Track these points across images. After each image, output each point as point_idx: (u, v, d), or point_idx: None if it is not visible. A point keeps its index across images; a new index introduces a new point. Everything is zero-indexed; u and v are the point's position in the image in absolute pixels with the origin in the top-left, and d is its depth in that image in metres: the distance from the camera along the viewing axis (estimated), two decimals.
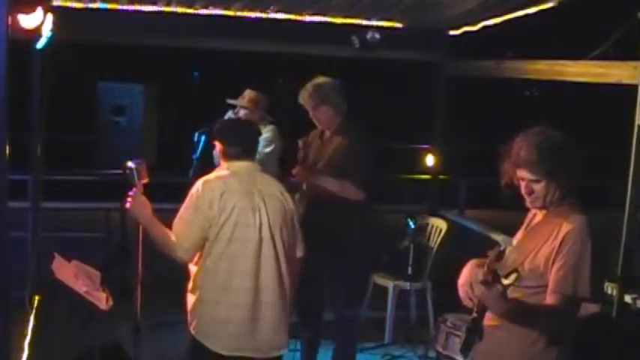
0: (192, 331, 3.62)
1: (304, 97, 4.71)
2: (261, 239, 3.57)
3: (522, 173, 2.94)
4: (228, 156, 3.71)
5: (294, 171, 4.68)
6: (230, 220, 3.52)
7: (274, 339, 3.66)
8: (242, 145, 3.71)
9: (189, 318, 3.65)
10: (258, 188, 3.63)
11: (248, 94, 5.50)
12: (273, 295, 3.62)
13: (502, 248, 2.95)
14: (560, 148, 2.90)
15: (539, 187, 2.93)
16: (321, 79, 4.74)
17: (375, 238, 4.85)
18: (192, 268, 3.65)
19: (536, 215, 3.07)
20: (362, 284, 5.11)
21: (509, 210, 3.22)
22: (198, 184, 3.61)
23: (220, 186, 3.57)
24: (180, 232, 3.54)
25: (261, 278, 3.58)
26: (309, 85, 4.72)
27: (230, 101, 5.45)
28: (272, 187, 3.73)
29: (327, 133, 4.78)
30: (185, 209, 3.57)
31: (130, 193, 3.64)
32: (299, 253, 3.86)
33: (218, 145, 3.77)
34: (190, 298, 3.64)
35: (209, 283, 3.56)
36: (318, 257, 4.19)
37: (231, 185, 3.58)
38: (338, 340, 4.83)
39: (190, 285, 3.66)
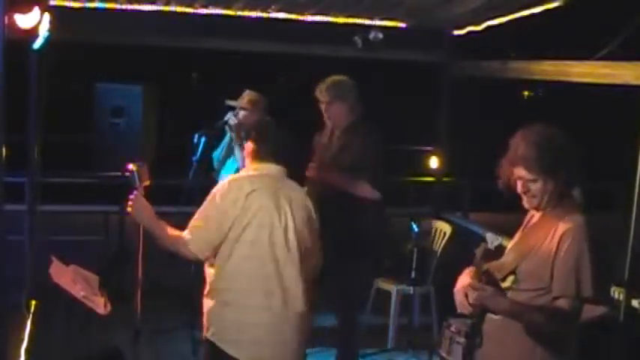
0: (211, 337, 3.46)
1: (321, 91, 4.69)
2: (287, 242, 3.47)
3: (519, 171, 2.89)
4: (259, 157, 3.61)
5: (309, 171, 4.60)
6: (254, 222, 3.41)
7: (299, 348, 3.54)
8: (276, 148, 3.62)
9: (206, 323, 3.50)
10: (285, 192, 3.54)
11: (247, 94, 5.44)
12: (296, 301, 3.49)
13: (488, 246, 2.91)
14: (558, 146, 2.86)
15: (535, 186, 2.88)
16: (340, 77, 4.74)
17: (385, 240, 4.80)
18: (209, 271, 3.52)
19: (533, 216, 3.03)
20: (367, 287, 5.04)
21: (513, 212, 3.15)
22: (225, 181, 3.53)
23: (247, 185, 3.46)
24: (196, 227, 3.43)
25: (285, 282, 3.46)
26: (329, 80, 4.71)
27: (229, 102, 5.39)
28: (298, 193, 3.65)
29: (337, 133, 4.73)
30: (206, 205, 3.47)
31: (131, 196, 3.56)
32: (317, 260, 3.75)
33: (250, 145, 3.64)
34: (208, 302, 3.50)
35: (233, 285, 3.43)
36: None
37: (258, 185, 3.47)
38: (341, 345, 4.75)
39: (208, 288, 3.52)
